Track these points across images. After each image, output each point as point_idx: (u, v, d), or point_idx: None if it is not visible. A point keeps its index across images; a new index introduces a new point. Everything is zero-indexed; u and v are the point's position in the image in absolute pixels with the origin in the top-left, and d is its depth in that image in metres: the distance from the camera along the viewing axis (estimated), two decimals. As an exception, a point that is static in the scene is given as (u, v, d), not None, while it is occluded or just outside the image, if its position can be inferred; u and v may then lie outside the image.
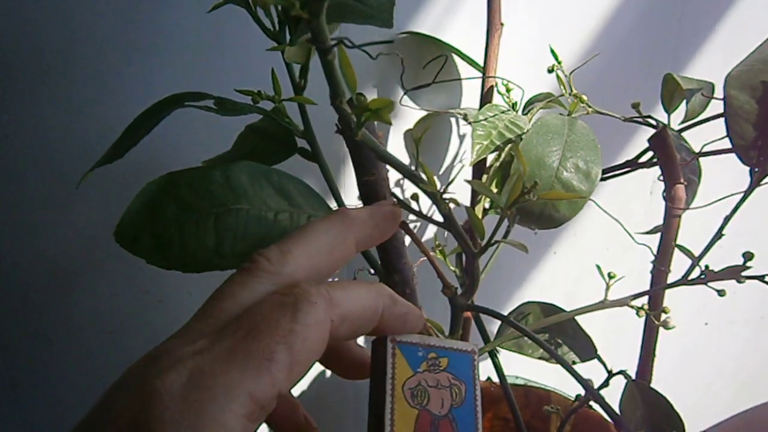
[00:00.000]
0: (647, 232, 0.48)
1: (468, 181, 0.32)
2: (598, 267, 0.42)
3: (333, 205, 0.41)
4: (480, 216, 0.52)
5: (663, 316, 0.41)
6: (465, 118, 0.57)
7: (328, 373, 0.71)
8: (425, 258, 0.45)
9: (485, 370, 0.75)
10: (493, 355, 0.52)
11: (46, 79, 0.52)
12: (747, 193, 0.38)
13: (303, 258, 0.25)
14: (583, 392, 0.48)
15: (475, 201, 0.51)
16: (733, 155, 0.44)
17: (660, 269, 0.43)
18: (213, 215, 0.34)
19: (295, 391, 0.71)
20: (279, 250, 0.25)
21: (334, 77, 0.25)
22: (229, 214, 0.34)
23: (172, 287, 0.62)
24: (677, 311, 0.50)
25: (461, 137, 0.63)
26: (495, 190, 0.47)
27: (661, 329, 0.44)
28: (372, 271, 0.37)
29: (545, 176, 0.38)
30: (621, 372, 0.42)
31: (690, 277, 0.39)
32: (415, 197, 0.33)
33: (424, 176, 0.31)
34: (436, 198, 0.32)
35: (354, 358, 0.30)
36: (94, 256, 0.59)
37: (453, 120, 0.63)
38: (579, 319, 0.49)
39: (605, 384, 0.44)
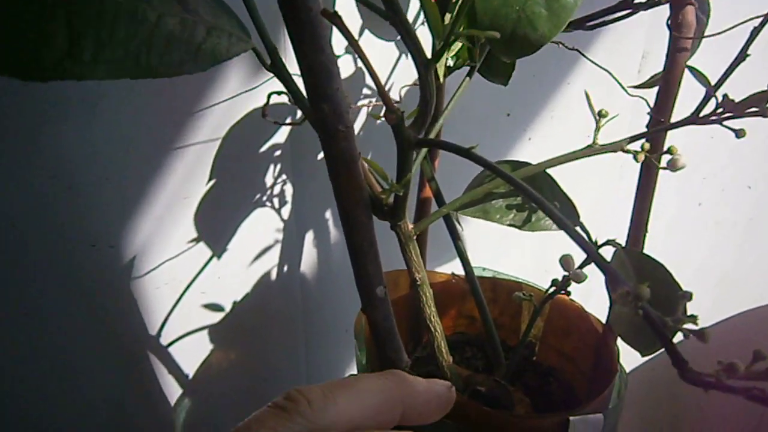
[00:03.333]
0: (644, 84, 0.39)
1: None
2: (586, 94, 0.34)
3: (250, 26, 0.31)
4: (443, 74, 0.43)
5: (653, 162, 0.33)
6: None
7: (273, 275, 0.63)
8: (370, 103, 0.37)
9: (451, 267, 0.68)
10: (455, 238, 0.44)
11: None
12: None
13: (346, 412, 0.24)
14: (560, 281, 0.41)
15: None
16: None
17: (659, 120, 0.35)
18: (64, 2, 0.24)
19: (235, 296, 0.63)
20: (322, 394, 0.23)
21: None
22: (90, 5, 0.25)
23: (83, 172, 0.53)
24: (658, 218, 0.42)
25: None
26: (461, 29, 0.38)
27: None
28: (290, 99, 0.28)
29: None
30: (609, 242, 0.35)
31: (702, 114, 0.31)
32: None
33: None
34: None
35: None
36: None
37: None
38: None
39: (589, 258, 0.37)
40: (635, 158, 0.32)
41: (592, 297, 0.65)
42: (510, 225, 0.36)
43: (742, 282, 0.83)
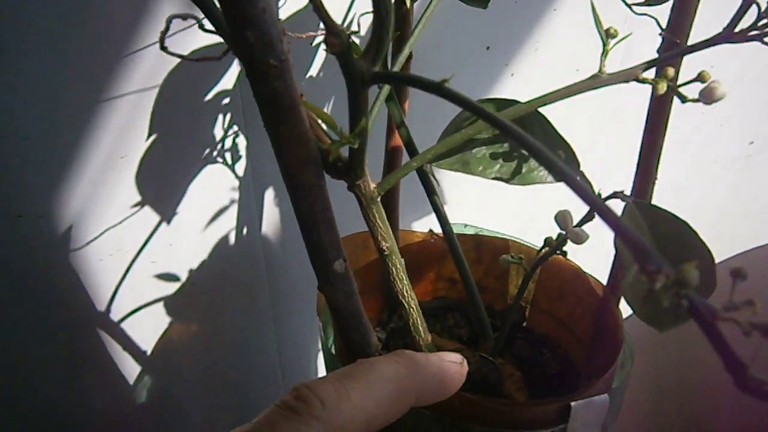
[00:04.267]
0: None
1: None
2: (593, 5, 0.27)
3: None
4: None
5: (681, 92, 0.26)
6: None
7: (232, 238, 0.57)
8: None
9: (430, 221, 0.62)
10: (430, 192, 0.38)
11: None
12: None
13: (361, 408, 0.22)
14: (554, 241, 0.35)
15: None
16: None
17: (674, 41, 0.28)
18: None
19: (190, 264, 0.57)
20: (335, 391, 0.22)
21: None
22: None
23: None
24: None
25: None
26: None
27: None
28: (200, 25, 0.21)
29: None
30: (615, 194, 0.29)
31: (738, 28, 0.24)
32: None
33: None
34: None
35: None
36: None
37: None
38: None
39: (591, 215, 0.31)
40: (655, 88, 0.26)
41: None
42: (496, 178, 0.30)
43: (738, 221, 0.78)
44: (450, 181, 0.61)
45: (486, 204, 0.63)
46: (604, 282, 0.39)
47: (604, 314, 0.37)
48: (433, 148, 0.26)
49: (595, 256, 0.44)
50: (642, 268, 0.16)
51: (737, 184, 0.74)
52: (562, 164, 0.18)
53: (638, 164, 0.33)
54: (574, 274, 0.40)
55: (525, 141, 0.18)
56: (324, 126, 0.26)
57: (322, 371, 0.70)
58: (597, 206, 0.17)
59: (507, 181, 0.30)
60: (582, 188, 0.17)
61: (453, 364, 0.27)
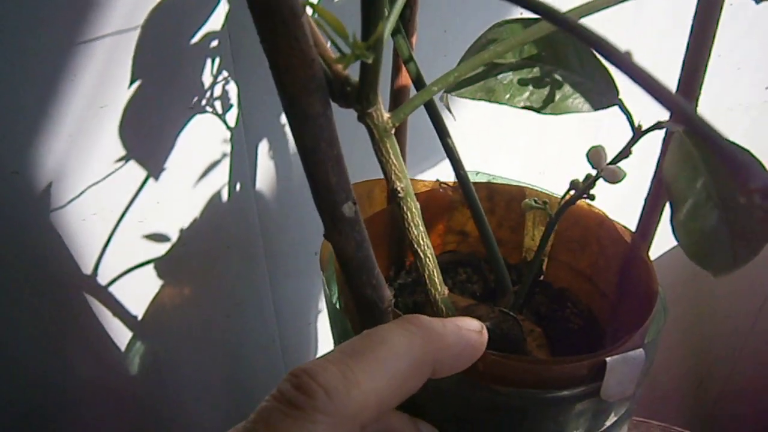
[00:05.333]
0: None
1: None
2: None
3: None
4: None
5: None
6: None
7: (224, 195, 0.53)
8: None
9: (434, 175, 0.58)
10: (443, 135, 0.34)
11: None
12: None
13: (372, 392, 0.19)
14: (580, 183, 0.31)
15: None
16: None
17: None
18: None
19: (181, 223, 0.53)
20: (341, 377, 0.19)
21: None
22: None
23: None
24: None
25: None
26: None
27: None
28: None
29: None
30: (660, 124, 0.25)
31: None
32: None
33: None
34: None
35: None
36: None
37: None
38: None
39: (628, 151, 0.28)
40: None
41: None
42: (526, 107, 0.26)
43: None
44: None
45: (492, 157, 0.60)
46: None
47: (633, 264, 0.34)
48: (456, 69, 0.23)
49: (615, 203, 0.41)
50: (743, 187, 0.13)
51: (753, 132, 0.71)
52: (634, 62, 0.14)
53: (677, 89, 0.29)
54: (598, 221, 0.36)
55: (587, 35, 0.14)
56: (327, 33, 0.23)
57: (321, 333, 0.67)
58: (685, 112, 0.13)
59: (538, 110, 0.26)
60: (663, 89, 0.14)
61: (472, 332, 0.24)
